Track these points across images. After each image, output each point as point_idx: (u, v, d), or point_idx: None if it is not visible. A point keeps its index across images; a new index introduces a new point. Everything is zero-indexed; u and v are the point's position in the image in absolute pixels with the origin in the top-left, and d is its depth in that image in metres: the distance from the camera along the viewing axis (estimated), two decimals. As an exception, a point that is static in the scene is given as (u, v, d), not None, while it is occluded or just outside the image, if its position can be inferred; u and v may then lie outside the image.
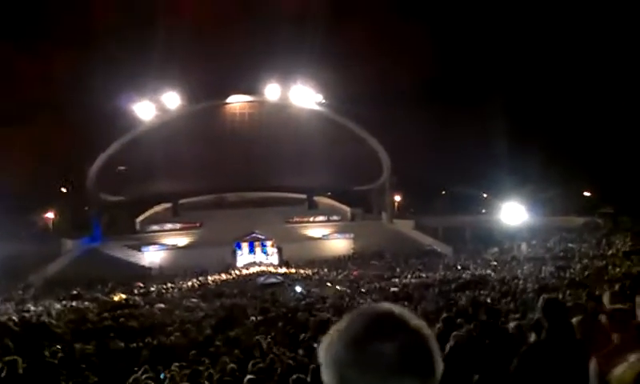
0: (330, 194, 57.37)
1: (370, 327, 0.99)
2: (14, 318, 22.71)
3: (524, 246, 38.86)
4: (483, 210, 50.94)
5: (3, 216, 38.01)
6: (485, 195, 51.68)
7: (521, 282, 21.00)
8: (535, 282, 19.98)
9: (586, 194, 48.95)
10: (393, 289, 25.96)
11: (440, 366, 0.99)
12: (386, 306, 1.04)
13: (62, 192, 50.33)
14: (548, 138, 45.06)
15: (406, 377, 0.95)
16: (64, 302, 29.49)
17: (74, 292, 33.92)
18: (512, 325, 5.77)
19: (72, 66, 43.40)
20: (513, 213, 41.41)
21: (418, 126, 44.88)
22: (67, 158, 45.42)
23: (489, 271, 30.28)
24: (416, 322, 1.01)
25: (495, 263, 34.69)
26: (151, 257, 46.99)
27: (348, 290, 27.71)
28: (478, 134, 43.99)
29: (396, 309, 1.03)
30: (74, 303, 29.05)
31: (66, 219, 49.22)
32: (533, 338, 4.06)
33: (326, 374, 1.01)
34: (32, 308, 27.75)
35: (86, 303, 29.12)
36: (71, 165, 46.87)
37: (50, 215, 48.77)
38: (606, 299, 4.10)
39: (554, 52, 46.24)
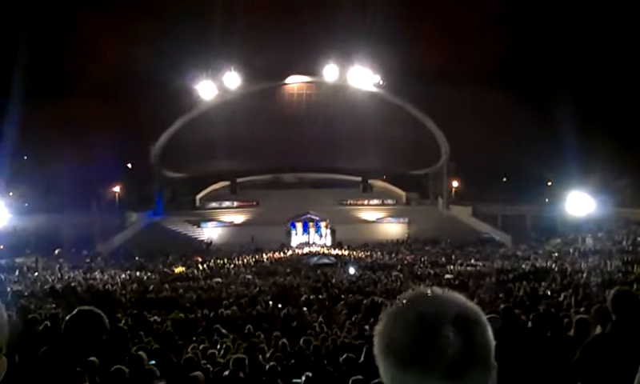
0: (385, 177, 56.88)
1: (422, 316, 0.90)
2: (82, 284, 24.24)
3: (589, 239, 37.06)
4: (546, 199, 48.88)
5: (75, 188, 40.41)
6: (549, 183, 49.52)
7: (584, 274, 20.11)
8: (599, 276, 19.07)
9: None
10: (447, 276, 25.58)
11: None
12: (438, 291, 0.95)
13: (127, 167, 52.72)
14: (619, 124, 42.48)
15: (471, 370, 0.87)
16: (128, 272, 31.12)
17: (138, 263, 35.68)
18: (575, 318, 5.53)
19: (137, 46, 44.97)
20: (578, 203, 39.33)
21: (480, 109, 43.44)
22: (133, 134, 47.41)
23: (550, 263, 29.16)
24: (473, 310, 0.93)
25: (556, 255, 33.34)
26: (209, 232, 48.51)
27: (401, 275, 27.51)
28: (544, 120, 42.07)
29: (457, 298, 0.94)
30: (137, 273, 30.59)
31: (132, 193, 51.62)
32: (598, 330, 3.87)
33: (380, 364, 0.93)
34: (98, 276, 29.52)
35: (149, 274, 30.60)
36: (137, 141, 48.90)
37: (117, 189, 51.31)
38: None
39: (627, 35, 43.27)
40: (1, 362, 1.23)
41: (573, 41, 45.04)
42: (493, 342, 0.93)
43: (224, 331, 10.38)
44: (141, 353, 4.99)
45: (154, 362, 5.56)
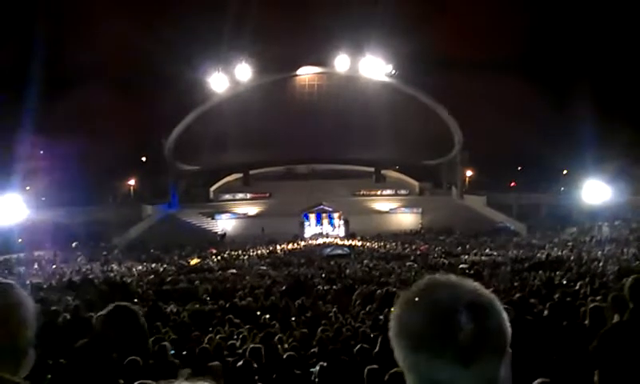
0: (398, 167, 56.65)
1: (436, 302, 0.91)
2: (99, 276, 24.63)
3: (605, 227, 36.60)
4: (562, 188, 48.33)
5: (91, 183, 40.96)
6: (564, 172, 48.95)
7: (600, 263, 19.91)
8: (616, 264, 18.87)
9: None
10: (462, 265, 25.48)
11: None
12: (453, 278, 0.97)
13: (142, 161, 53.19)
14: (635, 111, 41.76)
15: (483, 356, 0.89)
16: (145, 264, 31.52)
17: (154, 255, 36.10)
18: (590, 306, 5.51)
19: (149, 40, 45.07)
20: (594, 191, 38.80)
21: (494, 98, 42.98)
22: (147, 128, 47.76)
23: (565, 252, 28.90)
24: (487, 297, 0.95)
25: (572, 243, 33.02)
26: (223, 224, 48.83)
27: (415, 265, 27.48)
28: (559, 108, 41.53)
29: (471, 285, 0.96)
30: (153, 265, 30.98)
31: (146, 186, 52.11)
32: (616, 318, 3.87)
33: (395, 347, 0.94)
34: (115, 268, 29.97)
35: (165, 265, 30.97)
36: (150, 135, 49.27)
37: (132, 182, 51.84)
38: None
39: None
40: (29, 354, 1.27)
41: (589, 28, 44.25)
42: (508, 330, 0.93)
43: (237, 321, 10.49)
44: (165, 343, 5.08)
45: (173, 351, 5.66)
